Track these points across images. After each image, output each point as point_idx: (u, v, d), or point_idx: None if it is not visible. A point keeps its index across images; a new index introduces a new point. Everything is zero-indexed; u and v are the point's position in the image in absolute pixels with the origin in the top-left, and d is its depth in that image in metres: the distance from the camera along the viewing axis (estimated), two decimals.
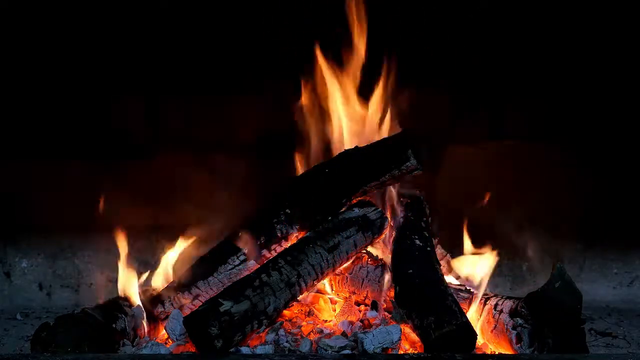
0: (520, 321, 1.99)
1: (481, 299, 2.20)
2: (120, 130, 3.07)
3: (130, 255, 2.43)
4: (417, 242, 2.28)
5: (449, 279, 2.39)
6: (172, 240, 2.55)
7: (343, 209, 2.34)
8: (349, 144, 2.49)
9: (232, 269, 2.28)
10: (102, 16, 2.96)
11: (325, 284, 2.37)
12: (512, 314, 2.03)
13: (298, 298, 2.17)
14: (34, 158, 3.05)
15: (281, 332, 2.07)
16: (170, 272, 2.41)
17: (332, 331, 2.13)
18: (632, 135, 3.09)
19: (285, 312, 2.18)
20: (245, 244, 2.30)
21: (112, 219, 3.05)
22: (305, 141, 2.59)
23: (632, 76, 3.03)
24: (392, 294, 2.20)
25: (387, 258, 2.34)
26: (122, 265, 2.36)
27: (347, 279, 2.35)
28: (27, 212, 3.08)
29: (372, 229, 2.31)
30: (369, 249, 2.40)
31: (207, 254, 2.37)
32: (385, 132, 2.52)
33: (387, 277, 2.28)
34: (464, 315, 1.97)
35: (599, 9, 2.96)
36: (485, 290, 2.28)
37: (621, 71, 3.04)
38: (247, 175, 3.07)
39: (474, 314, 2.17)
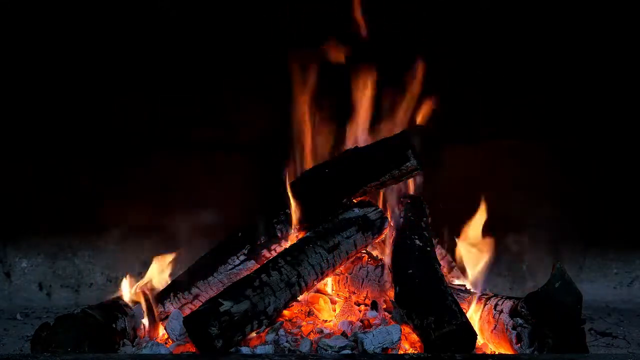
0: (520, 321, 1.99)
1: (481, 299, 2.20)
2: (120, 130, 3.08)
3: (130, 255, 2.43)
4: (417, 242, 2.28)
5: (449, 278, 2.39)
6: (172, 240, 2.55)
7: (343, 209, 2.35)
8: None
9: (232, 269, 2.28)
10: (103, 17, 2.96)
11: (325, 284, 2.37)
12: (512, 314, 2.03)
13: (298, 298, 2.17)
14: (34, 158, 3.06)
15: (281, 332, 2.07)
16: (170, 272, 2.41)
17: (332, 331, 2.13)
18: (632, 135, 3.09)
19: (285, 312, 2.18)
20: (244, 244, 2.30)
21: (112, 219, 3.07)
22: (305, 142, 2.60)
23: (632, 77, 3.04)
24: (392, 294, 2.20)
25: (387, 258, 2.34)
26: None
27: (347, 279, 2.35)
28: (27, 212, 3.08)
29: (372, 229, 2.31)
30: (369, 249, 2.40)
31: (207, 254, 2.37)
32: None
33: (387, 277, 2.29)
34: (464, 315, 1.97)
35: (599, 9, 2.96)
36: (485, 290, 2.28)
37: (621, 72, 3.04)
38: (248, 175, 3.07)
39: (474, 314, 2.17)
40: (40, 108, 3.04)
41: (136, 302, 2.21)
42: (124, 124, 3.08)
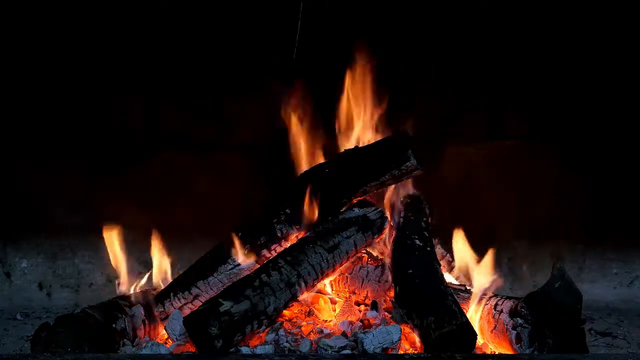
0: (520, 321, 1.99)
1: (481, 299, 2.20)
2: (120, 130, 3.08)
3: (130, 255, 2.43)
4: (417, 242, 2.28)
5: (449, 278, 2.39)
6: (173, 240, 2.55)
7: (343, 209, 2.35)
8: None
9: (232, 269, 2.28)
10: (102, 16, 2.96)
11: (325, 284, 2.37)
12: (512, 314, 2.03)
13: (298, 298, 2.17)
14: (34, 158, 3.06)
15: (281, 332, 2.07)
16: (170, 272, 2.41)
17: (332, 331, 2.13)
18: (632, 135, 3.09)
19: (285, 312, 2.18)
20: (245, 244, 2.29)
21: (112, 219, 3.06)
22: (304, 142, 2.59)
23: (632, 76, 3.04)
24: (392, 294, 2.20)
25: (387, 258, 2.34)
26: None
27: (347, 279, 2.35)
28: (27, 212, 3.08)
29: (372, 229, 2.31)
30: (369, 249, 2.40)
31: (207, 254, 2.37)
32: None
33: (387, 277, 2.29)
34: (464, 315, 1.97)
35: (599, 7, 2.96)
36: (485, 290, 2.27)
37: (621, 71, 3.04)
38: (247, 175, 3.07)
39: (474, 314, 2.17)
40: (41, 108, 3.04)
41: (136, 302, 2.21)
42: (124, 124, 3.08)
